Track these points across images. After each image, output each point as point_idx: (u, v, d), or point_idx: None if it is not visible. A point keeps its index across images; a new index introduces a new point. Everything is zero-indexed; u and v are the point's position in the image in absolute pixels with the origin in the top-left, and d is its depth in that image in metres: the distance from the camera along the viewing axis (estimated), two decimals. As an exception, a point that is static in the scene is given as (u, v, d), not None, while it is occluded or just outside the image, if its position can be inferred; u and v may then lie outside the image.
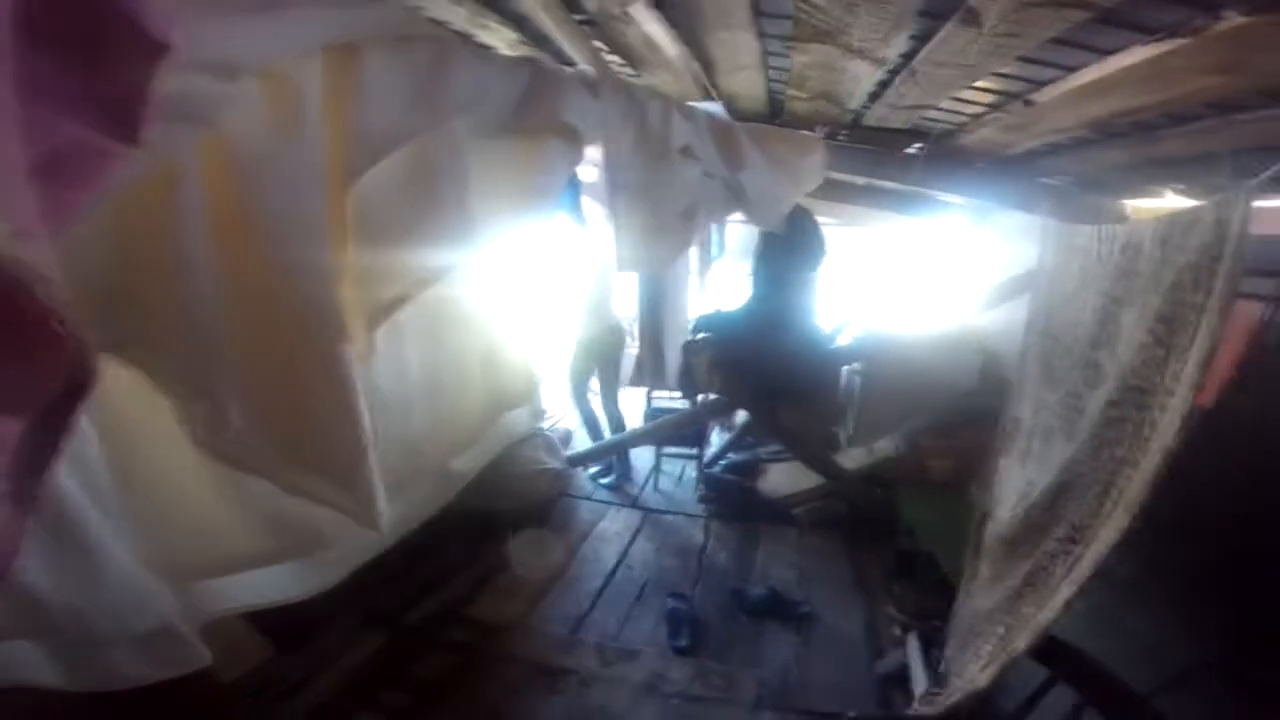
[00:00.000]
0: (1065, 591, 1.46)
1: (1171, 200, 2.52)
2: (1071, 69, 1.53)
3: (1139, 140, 1.95)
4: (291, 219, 1.01)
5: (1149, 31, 1.20)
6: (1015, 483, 2.14)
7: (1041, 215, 2.56)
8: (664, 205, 2.02)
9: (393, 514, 1.33)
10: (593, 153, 1.79)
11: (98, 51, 0.57)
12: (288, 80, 0.96)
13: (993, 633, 1.79)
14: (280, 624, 1.78)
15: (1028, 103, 1.86)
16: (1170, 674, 1.89)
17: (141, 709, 1.25)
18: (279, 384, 1.11)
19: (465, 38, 2.09)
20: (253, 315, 1.05)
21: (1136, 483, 1.37)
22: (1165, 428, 1.30)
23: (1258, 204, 1.16)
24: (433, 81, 1.16)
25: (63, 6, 0.52)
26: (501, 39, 2.11)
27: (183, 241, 0.95)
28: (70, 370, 0.55)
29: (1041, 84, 1.73)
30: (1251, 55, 1.16)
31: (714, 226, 4.91)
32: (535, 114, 1.45)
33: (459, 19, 1.93)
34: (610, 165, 1.80)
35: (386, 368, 1.83)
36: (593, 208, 3.44)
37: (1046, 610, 1.50)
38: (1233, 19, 1.00)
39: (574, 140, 1.57)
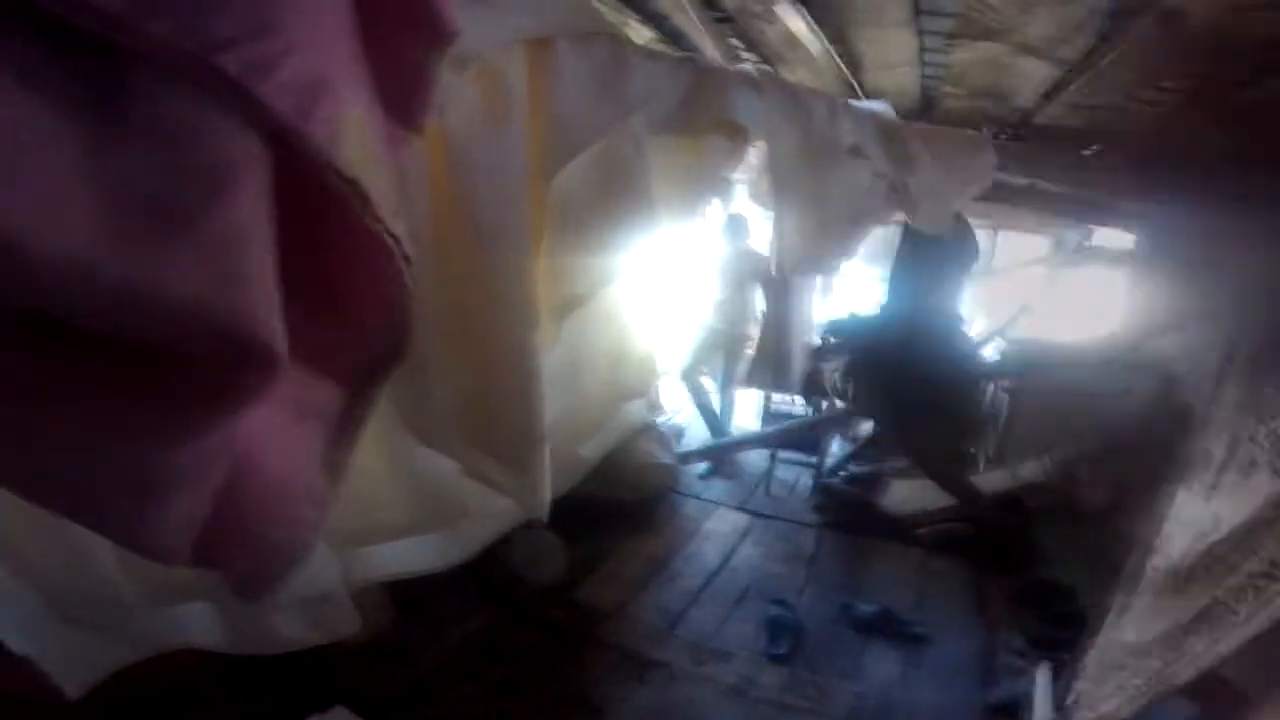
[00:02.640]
0: (1244, 630, 1.41)
1: None
2: (1262, 74, 1.28)
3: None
4: (498, 208, 1.05)
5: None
6: (1195, 516, 1.94)
7: (1239, 228, 2.18)
8: (829, 206, 1.93)
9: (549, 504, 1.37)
10: (753, 151, 1.75)
11: (396, 37, 0.55)
12: (496, 73, 0.99)
13: (1145, 667, 1.72)
14: (402, 590, 1.90)
15: (1228, 105, 1.58)
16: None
17: (270, 664, 1.33)
18: (476, 369, 1.17)
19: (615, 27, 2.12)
20: (459, 299, 1.10)
21: None
22: None
23: None
24: (615, 77, 1.18)
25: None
26: (640, 37, 2.12)
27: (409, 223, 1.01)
28: (393, 338, 0.55)
29: (1246, 85, 1.46)
30: None
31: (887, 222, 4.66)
32: (701, 111, 1.43)
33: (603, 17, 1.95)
34: (775, 165, 1.73)
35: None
36: (743, 204, 3.37)
37: (1222, 646, 1.45)
38: None
39: (738, 138, 1.54)
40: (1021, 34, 1.43)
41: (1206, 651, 1.50)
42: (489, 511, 1.82)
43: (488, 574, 2.40)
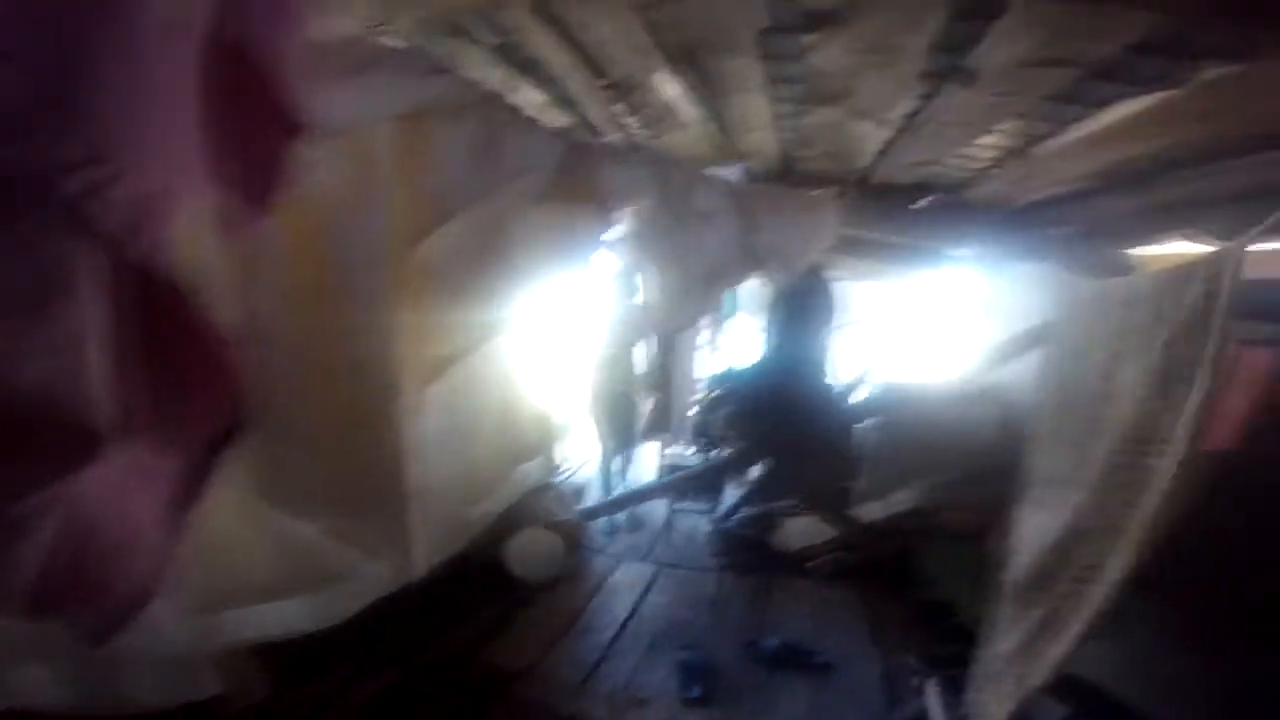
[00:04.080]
0: (1075, 629, 1.54)
1: (1177, 247, 2.58)
2: (1067, 123, 1.63)
3: (1138, 189, 2.04)
4: (363, 272, 1.09)
5: (1137, 84, 1.28)
6: (1031, 530, 2.20)
7: (1049, 267, 2.63)
8: (689, 268, 2.12)
9: (423, 565, 1.35)
10: (622, 216, 1.90)
11: (249, 126, 0.62)
12: (362, 145, 1.05)
13: (1012, 674, 1.85)
14: (289, 656, 1.77)
15: (1026, 156, 1.96)
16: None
17: None
18: (337, 433, 1.17)
19: (498, 98, 2.25)
20: (324, 362, 1.11)
21: (1137, 526, 1.46)
22: (1162, 474, 1.39)
23: (1265, 248, 1.21)
24: (488, 150, 1.27)
25: (223, 84, 0.57)
26: (530, 101, 2.26)
27: (260, 295, 1.01)
28: (231, 416, 0.60)
29: (1040, 138, 1.83)
30: (1234, 103, 1.24)
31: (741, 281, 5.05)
32: (572, 182, 1.56)
33: (495, 80, 2.08)
34: (638, 230, 1.90)
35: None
36: (618, 266, 3.57)
37: (1059, 647, 1.57)
38: (1211, 70, 1.08)
39: (605, 206, 1.67)
40: (854, 98, 1.72)
41: (1051, 653, 1.64)
42: (367, 574, 1.76)
43: (386, 636, 2.25)
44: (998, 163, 2.16)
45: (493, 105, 1.41)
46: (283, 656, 1.74)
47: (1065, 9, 1.05)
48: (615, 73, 1.96)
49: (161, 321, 0.53)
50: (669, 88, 1.95)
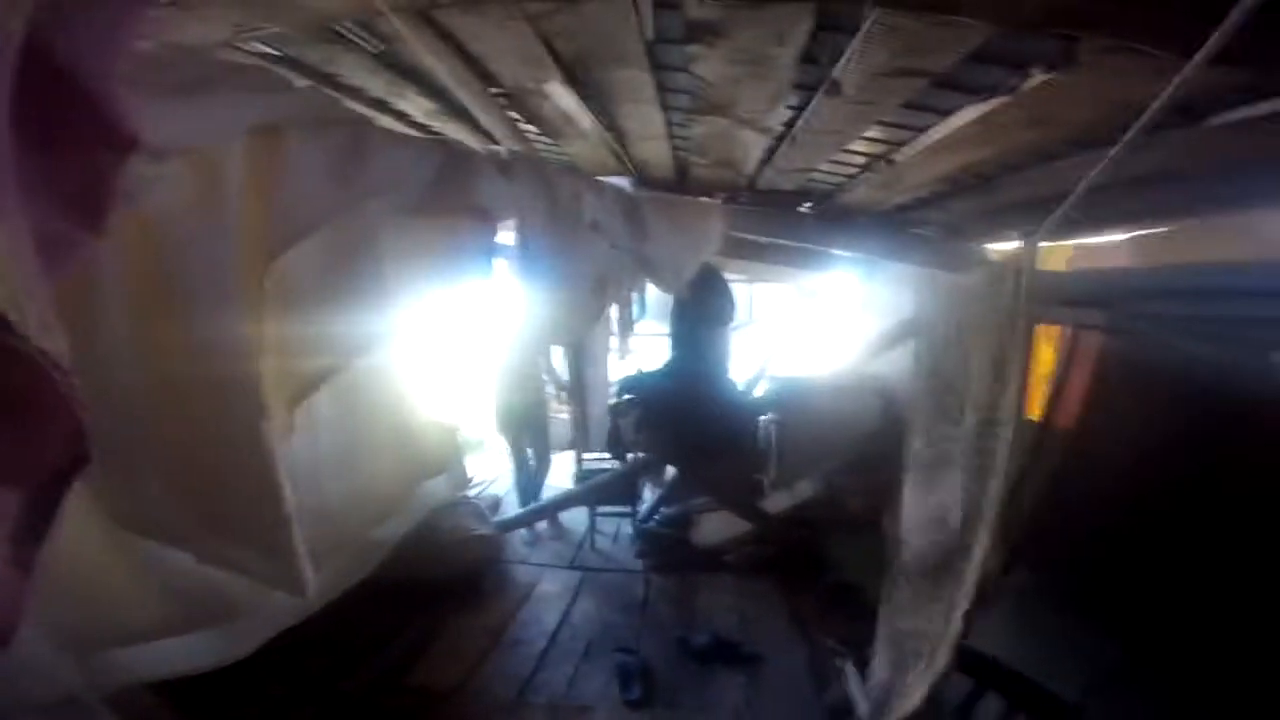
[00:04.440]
0: (961, 605, 1.62)
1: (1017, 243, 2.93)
2: (921, 129, 1.81)
3: (984, 190, 2.30)
4: (209, 296, 1.04)
5: (977, 92, 1.46)
6: (924, 510, 2.32)
7: (915, 265, 2.90)
8: (575, 279, 2.13)
9: (313, 584, 1.31)
10: (508, 227, 1.90)
11: (71, 145, 0.58)
12: (210, 162, 1.00)
13: (918, 652, 1.93)
14: (199, 695, 1.64)
15: (890, 162, 2.17)
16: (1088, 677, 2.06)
17: None
18: (200, 458, 1.12)
19: (384, 105, 2.20)
20: (173, 390, 1.06)
21: (991, 501, 1.59)
22: (1003, 451, 1.54)
23: (1088, 241, 1.43)
24: (351, 164, 1.21)
25: (44, 101, 0.54)
26: (419, 108, 2.24)
27: (100, 317, 0.97)
28: (70, 448, 0.57)
29: (899, 144, 2.02)
30: (1057, 109, 1.44)
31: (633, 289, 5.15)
32: (448, 195, 1.52)
33: (378, 87, 2.04)
34: (523, 242, 1.90)
35: (296, 438, 1.82)
36: (511, 277, 3.54)
37: (953, 625, 1.65)
38: (1037, 77, 1.26)
39: (486, 219, 1.67)
40: (737, 108, 1.84)
41: (949, 630, 1.68)
42: (262, 606, 1.67)
43: (311, 664, 2.12)
44: (866, 168, 2.36)
45: (357, 120, 1.39)
46: (194, 694, 1.61)
47: (912, 21, 1.19)
48: (508, 82, 1.98)
49: None
50: (564, 98, 2.00)
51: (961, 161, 2.07)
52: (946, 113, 1.67)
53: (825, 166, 2.39)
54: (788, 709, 2.58)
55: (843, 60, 1.41)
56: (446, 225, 1.61)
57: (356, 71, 1.91)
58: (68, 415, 0.54)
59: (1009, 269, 1.56)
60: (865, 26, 1.23)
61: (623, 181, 2.54)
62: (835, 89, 1.56)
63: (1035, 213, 2.49)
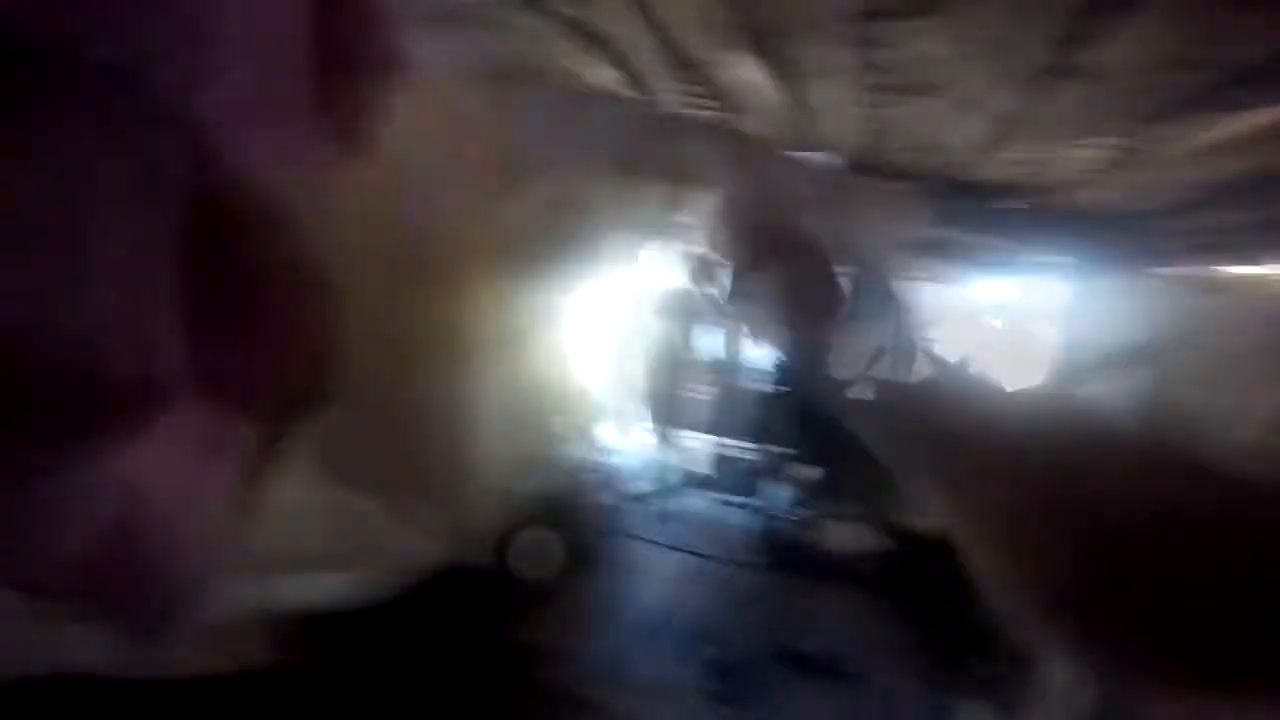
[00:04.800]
0: None
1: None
2: (1195, 129, 1.43)
3: (1259, 202, 1.81)
4: (438, 237, 1.03)
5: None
6: None
7: (1152, 280, 2.39)
8: None
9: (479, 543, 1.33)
10: (707, 197, 1.79)
11: (345, 57, 0.54)
12: (450, 101, 1.00)
13: (1081, 705, 1.78)
14: (323, 626, 1.81)
15: (1146, 160, 1.76)
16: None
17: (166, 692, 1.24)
18: (402, 404, 1.13)
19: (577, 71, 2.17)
20: (387, 329, 1.05)
21: None
22: None
23: None
24: (570, 116, 1.21)
25: (329, 21, 0.50)
26: (601, 77, 2.17)
27: (334, 246, 0.97)
28: (312, 370, 0.53)
29: (1159, 142, 1.63)
30: None
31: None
32: (654, 155, 1.47)
33: (563, 55, 2.00)
34: (724, 212, 1.79)
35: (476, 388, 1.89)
36: (690, 251, 3.46)
37: None
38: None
39: (690, 184, 1.58)
40: (956, 90, 1.55)
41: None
42: (415, 551, 1.76)
43: (424, 610, 2.29)
44: (1106, 167, 1.94)
45: (572, 72, 1.34)
46: (317, 625, 1.78)
47: (1213, 6, 0.89)
48: (690, 52, 1.84)
49: (241, 257, 0.46)
50: (749, 71, 1.82)
51: (1234, 167, 1.63)
52: (1232, 111, 1.30)
53: (1052, 161, 2.00)
54: (883, 735, 2.38)
55: (1111, 45, 1.12)
56: (643, 187, 1.56)
57: (548, 40, 1.88)
58: (320, 341, 0.51)
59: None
60: (1148, 9, 0.95)
61: (825, 158, 2.33)
62: (1093, 78, 1.25)
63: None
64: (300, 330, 0.49)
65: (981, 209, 2.51)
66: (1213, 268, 2.56)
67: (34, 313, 0.33)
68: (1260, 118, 1.27)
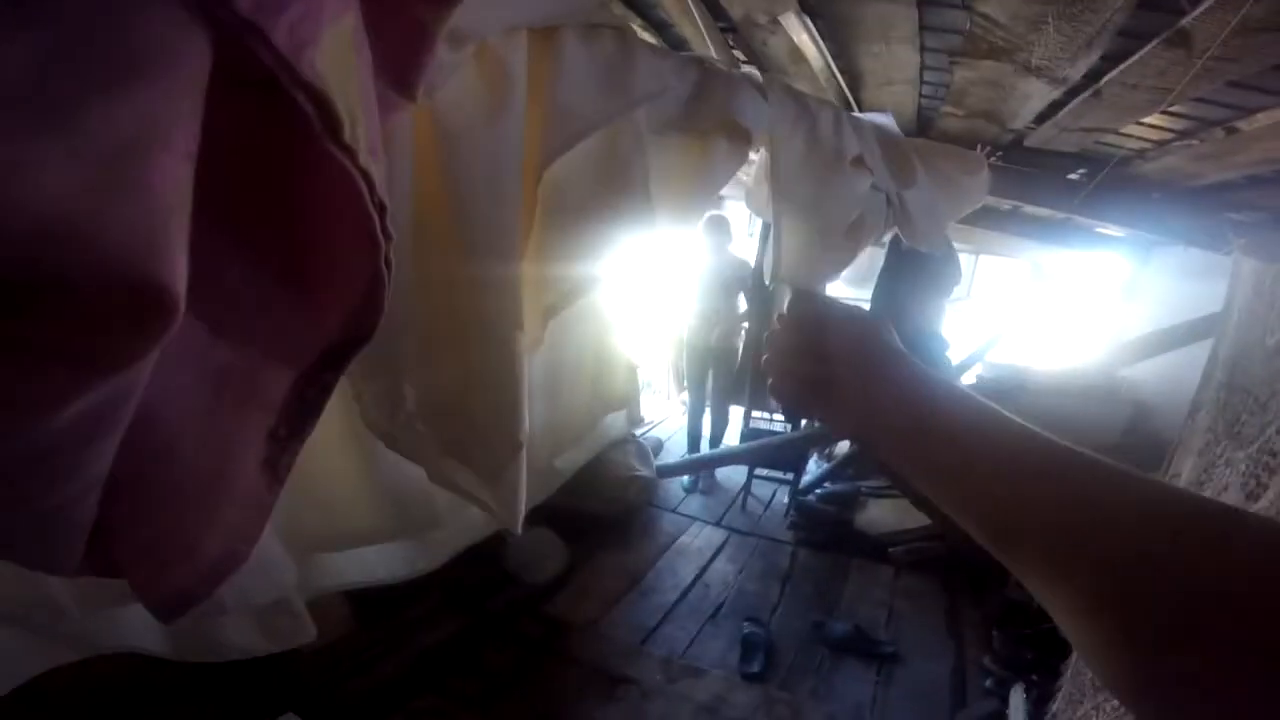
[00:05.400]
0: None
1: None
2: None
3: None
4: (490, 199, 0.99)
5: None
6: None
7: (1230, 254, 2.24)
8: (831, 218, 1.89)
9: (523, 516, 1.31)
10: (752, 156, 1.71)
11: None
12: (496, 57, 0.94)
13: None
14: (364, 597, 1.80)
15: (1231, 130, 1.62)
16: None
17: (218, 670, 1.23)
18: (453, 371, 1.10)
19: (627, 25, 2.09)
20: (439, 295, 1.03)
21: None
22: None
23: None
24: (619, 70, 1.14)
25: None
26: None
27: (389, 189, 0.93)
28: (357, 315, 0.45)
29: (1250, 110, 1.50)
30: None
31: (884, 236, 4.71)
32: (706, 112, 1.39)
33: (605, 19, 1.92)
34: (777, 171, 1.68)
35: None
36: (735, 215, 3.33)
37: None
38: None
39: (741, 141, 1.50)
40: (1026, 52, 1.44)
41: None
42: (460, 521, 1.75)
43: (458, 582, 2.33)
44: (1188, 135, 1.80)
45: (623, 26, 1.27)
46: (361, 597, 1.80)
47: None
48: (736, 12, 1.75)
49: (279, 162, 0.38)
50: (798, 32, 1.73)
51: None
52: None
53: (1130, 129, 1.86)
54: (916, 716, 2.37)
55: (1201, 7, 1.01)
56: (700, 144, 1.47)
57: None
58: (368, 269, 0.41)
59: None
60: None
61: (885, 118, 2.19)
62: (1181, 40, 1.14)
63: None
64: (347, 259, 0.41)
65: (1042, 177, 2.37)
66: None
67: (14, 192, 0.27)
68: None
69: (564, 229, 1.17)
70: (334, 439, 1.35)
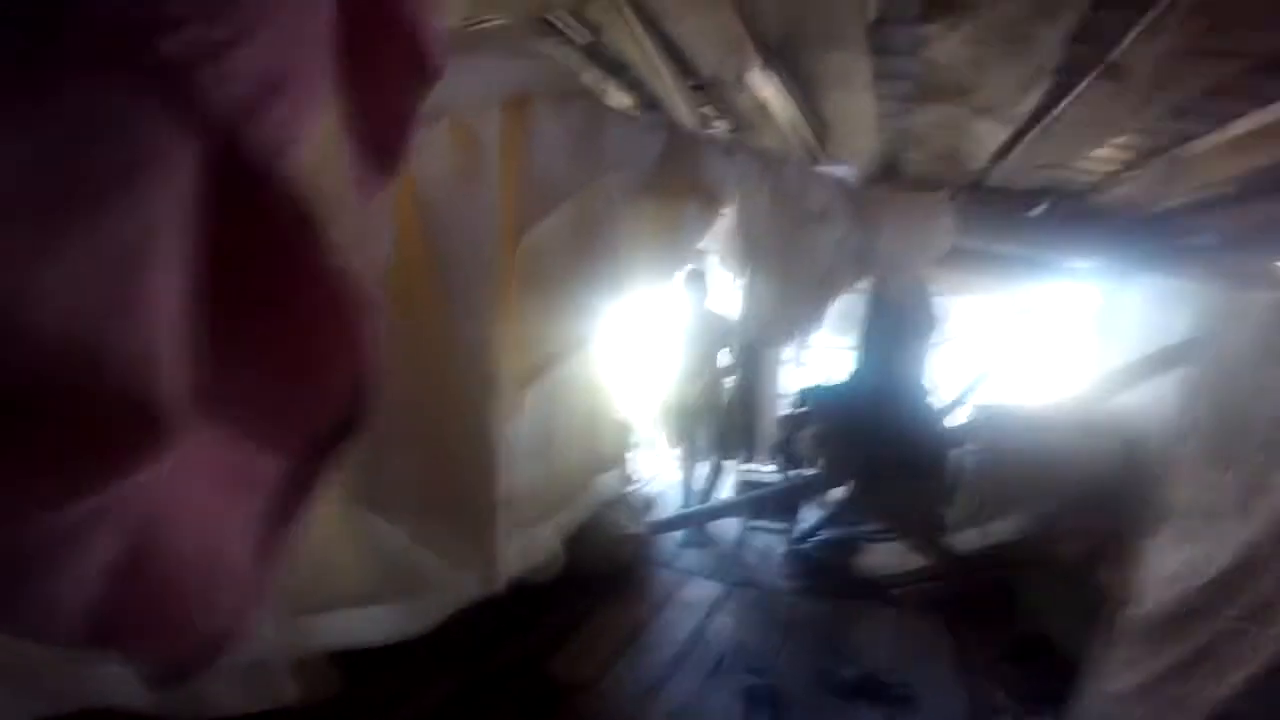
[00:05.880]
0: (1241, 671, 1.45)
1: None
2: (1225, 120, 1.41)
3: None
4: (467, 267, 1.02)
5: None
6: (1168, 565, 2.01)
7: (1186, 279, 2.33)
8: (798, 273, 1.96)
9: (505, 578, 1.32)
10: (724, 216, 1.78)
11: (380, 68, 0.48)
12: (469, 129, 0.99)
13: (1131, 714, 1.78)
14: (357, 656, 1.77)
15: (1173, 156, 1.73)
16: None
17: None
18: (434, 435, 1.12)
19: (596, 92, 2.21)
20: (418, 361, 1.05)
21: None
22: None
23: None
24: (590, 138, 1.20)
25: (358, 14, 0.44)
26: (617, 101, 2.21)
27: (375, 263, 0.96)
28: (350, 401, 0.46)
29: (1190, 137, 1.61)
30: None
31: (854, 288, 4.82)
32: (675, 174, 1.47)
33: (584, 79, 2.04)
34: (746, 229, 1.77)
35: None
36: (700, 269, 3.45)
37: (1220, 688, 1.48)
38: None
39: (711, 201, 1.57)
40: (976, 94, 1.55)
41: (1202, 692, 1.53)
42: (450, 585, 1.74)
43: (452, 641, 2.25)
44: (1134, 165, 1.92)
45: (593, 95, 1.35)
46: (351, 656, 1.75)
47: None
48: (705, 70, 1.88)
49: (266, 261, 0.38)
50: (763, 86, 1.84)
51: (1267, 159, 1.59)
52: (1264, 101, 1.28)
53: (1079, 162, 1.98)
54: (934, 757, 2.27)
55: (1129, 39, 1.11)
56: (671, 206, 1.54)
57: (562, 68, 1.92)
58: (356, 360, 0.43)
59: None
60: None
61: (846, 171, 2.29)
62: (1115, 73, 1.24)
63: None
64: (338, 353, 0.42)
65: (1004, 215, 2.48)
66: (1248, 262, 2.49)
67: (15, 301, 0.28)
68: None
69: (542, 294, 1.21)
70: (319, 502, 1.36)
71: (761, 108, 2.03)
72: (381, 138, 0.51)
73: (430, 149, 0.92)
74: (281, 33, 0.36)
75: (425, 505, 1.19)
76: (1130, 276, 2.83)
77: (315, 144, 0.39)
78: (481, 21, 1.68)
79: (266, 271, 0.39)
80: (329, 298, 0.39)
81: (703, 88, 2.03)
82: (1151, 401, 2.83)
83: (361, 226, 0.46)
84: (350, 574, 1.49)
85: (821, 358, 5.24)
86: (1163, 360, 2.68)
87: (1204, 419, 2.04)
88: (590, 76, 1.99)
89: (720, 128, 2.35)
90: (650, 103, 2.18)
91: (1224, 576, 1.70)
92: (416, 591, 1.64)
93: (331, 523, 1.38)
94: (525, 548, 2.24)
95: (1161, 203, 2.19)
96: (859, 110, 1.93)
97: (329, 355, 0.43)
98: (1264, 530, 1.62)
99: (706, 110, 2.20)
